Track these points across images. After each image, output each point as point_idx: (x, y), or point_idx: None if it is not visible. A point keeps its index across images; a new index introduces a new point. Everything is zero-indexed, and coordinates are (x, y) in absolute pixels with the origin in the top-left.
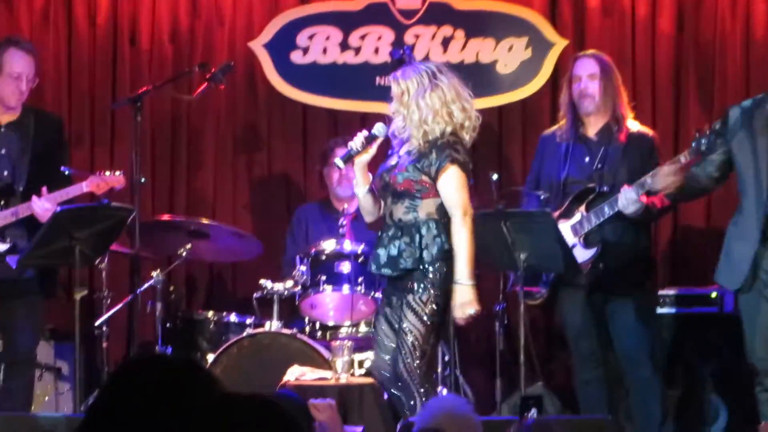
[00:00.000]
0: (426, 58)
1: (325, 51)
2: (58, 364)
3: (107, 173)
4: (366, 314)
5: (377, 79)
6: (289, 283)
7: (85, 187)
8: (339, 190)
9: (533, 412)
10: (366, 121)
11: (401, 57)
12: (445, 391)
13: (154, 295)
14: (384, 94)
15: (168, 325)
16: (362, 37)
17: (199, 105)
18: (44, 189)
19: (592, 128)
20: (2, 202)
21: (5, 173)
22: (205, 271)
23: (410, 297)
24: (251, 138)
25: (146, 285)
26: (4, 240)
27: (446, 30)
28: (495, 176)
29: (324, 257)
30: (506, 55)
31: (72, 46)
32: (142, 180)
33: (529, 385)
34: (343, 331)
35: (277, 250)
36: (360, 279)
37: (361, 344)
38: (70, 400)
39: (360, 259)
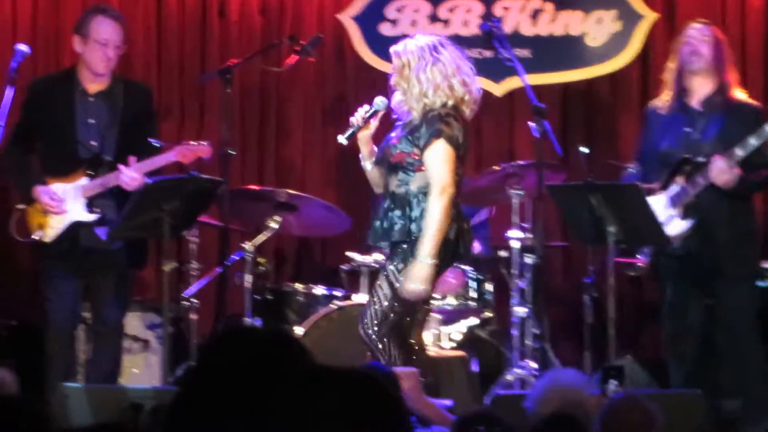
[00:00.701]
0: (515, 31)
1: (414, 23)
2: (146, 336)
3: (194, 143)
4: (454, 287)
5: (466, 51)
6: (377, 256)
7: (172, 156)
8: None
9: (612, 384)
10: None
11: (490, 29)
12: (534, 364)
13: (243, 267)
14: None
15: (256, 297)
16: (451, 10)
17: (288, 77)
18: (132, 159)
19: (696, 97)
20: (90, 172)
21: (93, 143)
22: (294, 243)
23: (389, 265)
24: (340, 110)
25: (235, 257)
26: (93, 211)
27: (535, 2)
28: (584, 149)
29: None
30: (595, 27)
31: (161, 18)
32: (231, 152)
33: (618, 358)
34: (432, 304)
35: (365, 222)
36: None
37: (449, 317)
38: (159, 372)
39: None
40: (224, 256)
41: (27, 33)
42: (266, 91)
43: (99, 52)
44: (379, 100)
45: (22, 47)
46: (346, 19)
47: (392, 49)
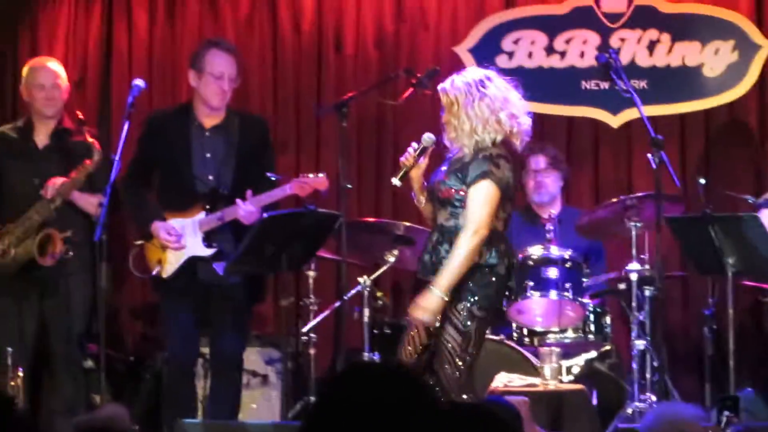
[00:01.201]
0: (632, 62)
1: (530, 55)
2: (265, 371)
3: (310, 175)
4: (574, 320)
5: (583, 83)
6: None
7: (288, 189)
8: (535, 196)
9: (725, 415)
10: (572, 125)
11: (607, 61)
12: (654, 397)
13: (361, 302)
14: (590, 99)
15: (375, 331)
16: (567, 41)
17: (404, 110)
18: (249, 192)
19: None
20: (208, 207)
21: (210, 177)
22: (411, 277)
23: (447, 306)
24: None
25: (353, 291)
26: (211, 245)
27: (652, 33)
28: (702, 180)
29: (531, 262)
30: (712, 58)
31: (277, 52)
32: (348, 186)
33: (739, 391)
34: (551, 337)
35: None
36: (567, 284)
37: (569, 350)
38: (278, 407)
39: (567, 265)
40: (342, 290)
41: (143, 67)
42: (382, 123)
43: (214, 86)
44: (427, 137)
45: (139, 82)
46: (463, 51)
47: (439, 86)
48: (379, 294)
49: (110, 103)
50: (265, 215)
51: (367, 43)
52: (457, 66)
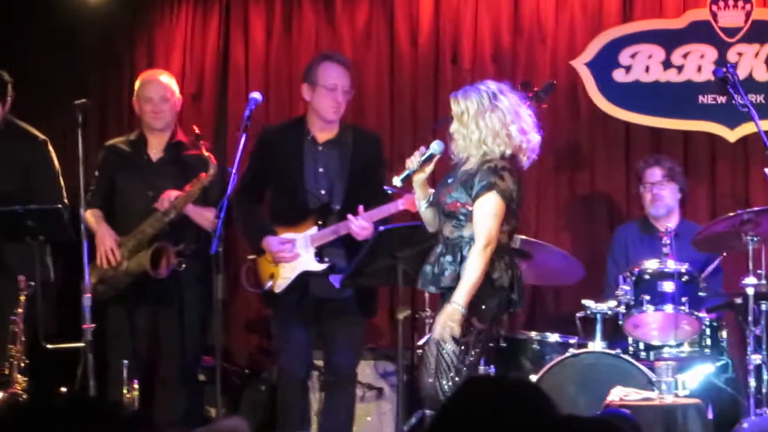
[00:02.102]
0: (749, 77)
1: (647, 69)
2: (380, 384)
3: None
4: (690, 334)
5: (700, 97)
6: (612, 303)
7: (400, 205)
8: (652, 209)
9: None
10: (689, 139)
11: (724, 75)
12: None
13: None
14: (707, 113)
15: (490, 344)
16: (684, 56)
17: None
18: (360, 208)
19: None
20: (320, 222)
21: (323, 192)
22: (528, 290)
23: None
24: (573, 156)
25: None
26: (323, 260)
27: None
28: None
29: (647, 276)
30: None
31: (394, 65)
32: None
33: None
34: (667, 351)
35: (599, 269)
36: (684, 298)
37: (684, 364)
38: (392, 420)
39: (684, 279)
40: None
41: (260, 80)
42: None
43: (328, 98)
44: (436, 145)
45: (256, 95)
46: (579, 65)
47: (451, 94)
48: None
49: (226, 116)
50: (381, 228)
51: (484, 57)
52: (575, 80)
